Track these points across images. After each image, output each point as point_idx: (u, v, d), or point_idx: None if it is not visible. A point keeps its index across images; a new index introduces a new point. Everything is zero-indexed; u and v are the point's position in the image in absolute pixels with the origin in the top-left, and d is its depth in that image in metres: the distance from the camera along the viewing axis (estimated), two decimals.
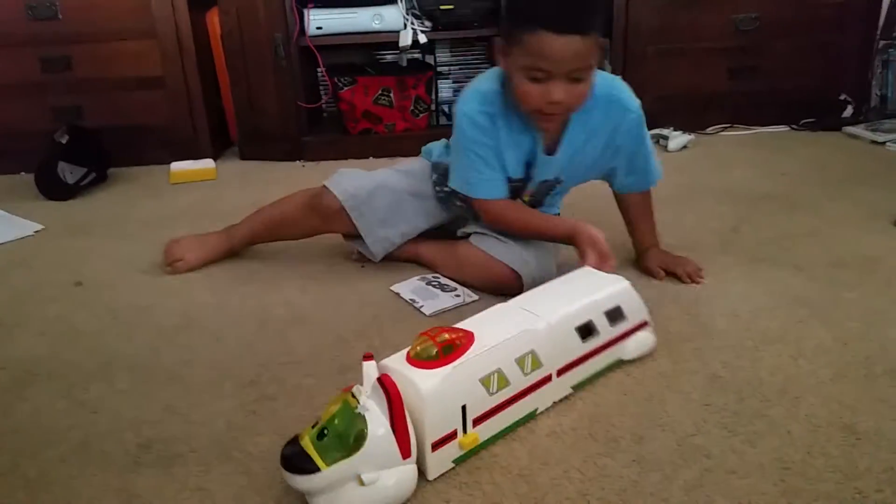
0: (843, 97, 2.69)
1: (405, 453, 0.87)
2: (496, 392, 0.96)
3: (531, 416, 1.02)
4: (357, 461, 0.84)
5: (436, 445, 0.91)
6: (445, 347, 0.94)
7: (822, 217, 1.80)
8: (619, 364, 1.15)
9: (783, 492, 0.87)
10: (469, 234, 1.51)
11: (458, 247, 1.51)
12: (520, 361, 0.99)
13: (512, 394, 0.98)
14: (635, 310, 1.15)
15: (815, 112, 2.68)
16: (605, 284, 1.16)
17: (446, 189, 1.49)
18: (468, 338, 0.97)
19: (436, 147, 1.58)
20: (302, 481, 0.84)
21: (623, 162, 1.44)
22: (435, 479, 0.92)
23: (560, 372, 1.04)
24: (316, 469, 0.83)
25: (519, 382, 0.99)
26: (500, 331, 1.00)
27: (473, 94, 1.34)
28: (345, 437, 0.84)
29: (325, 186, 1.51)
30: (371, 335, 1.30)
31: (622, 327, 1.13)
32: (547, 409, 1.05)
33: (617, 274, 1.20)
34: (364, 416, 0.85)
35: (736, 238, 1.69)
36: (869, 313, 1.30)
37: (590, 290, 1.14)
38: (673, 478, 0.91)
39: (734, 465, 0.92)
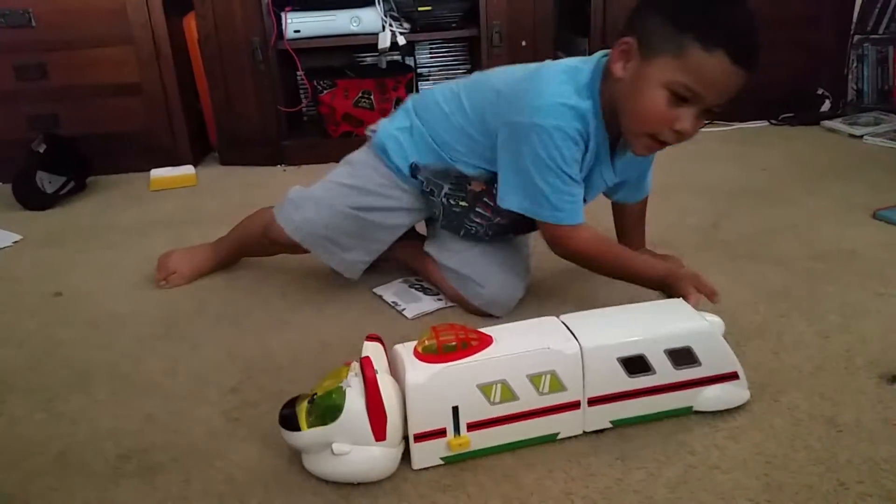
0: (820, 92, 2.72)
1: (378, 435, 0.89)
2: (498, 403, 0.94)
3: (550, 439, 0.98)
4: (331, 431, 0.89)
5: (420, 438, 0.92)
6: (447, 346, 0.93)
7: (802, 211, 1.81)
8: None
9: (766, 486, 0.88)
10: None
11: (427, 262, 1.44)
12: (534, 379, 0.94)
13: (520, 409, 0.95)
14: (717, 357, 1.01)
15: (794, 107, 2.70)
16: (680, 321, 1.03)
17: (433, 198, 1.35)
18: (484, 341, 0.95)
19: (389, 136, 1.36)
20: (286, 436, 0.93)
21: (635, 176, 1.41)
22: (418, 481, 0.92)
23: (594, 402, 0.98)
24: (297, 429, 0.91)
25: (531, 400, 0.95)
26: (521, 343, 0.96)
27: (564, 111, 1.15)
28: (324, 407, 0.91)
29: (275, 217, 1.40)
30: (353, 339, 1.29)
31: (693, 373, 1.00)
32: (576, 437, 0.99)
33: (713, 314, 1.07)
34: (345, 392, 0.90)
35: (716, 233, 1.70)
36: (848, 306, 1.31)
37: (657, 323, 1.02)
38: (657, 475, 0.91)
39: (717, 461, 0.93)
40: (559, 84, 1.17)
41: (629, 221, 1.49)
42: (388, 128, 1.38)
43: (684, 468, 0.92)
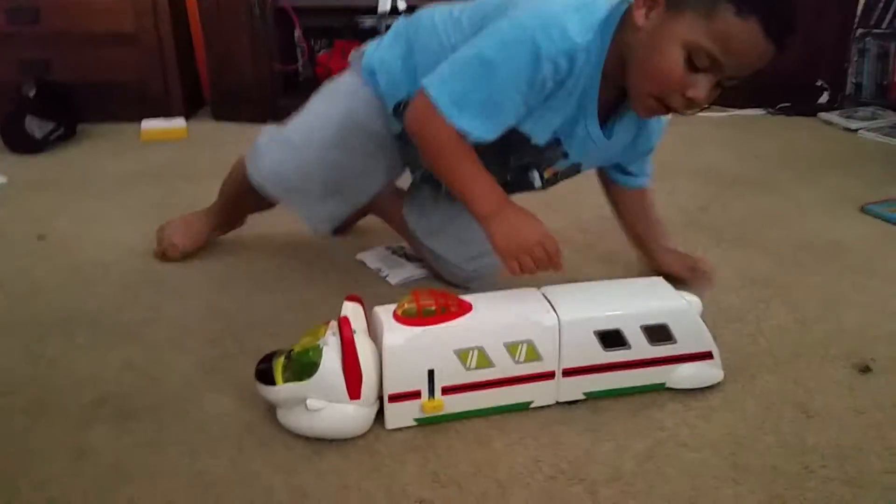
0: (819, 83, 2.72)
1: (353, 394, 0.90)
2: (474, 369, 0.94)
3: (523, 407, 0.99)
4: (306, 387, 0.90)
5: (394, 398, 0.93)
6: (426, 310, 0.94)
7: (792, 201, 1.82)
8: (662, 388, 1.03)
9: (733, 465, 0.89)
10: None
11: (404, 226, 1.37)
12: (511, 348, 0.95)
13: (495, 376, 0.95)
14: (692, 336, 1.02)
15: (791, 97, 2.70)
16: (658, 299, 1.04)
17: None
18: (463, 308, 0.96)
19: (381, 62, 1.18)
20: (261, 389, 0.94)
21: (633, 154, 1.27)
22: (391, 440, 0.93)
23: (568, 373, 0.98)
24: (273, 382, 0.92)
25: (507, 368, 0.95)
26: (500, 312, 0.97)
27: (563, 37, 0.98)
28: (300, 363, 0.91)
29: (245, 162, 1.27)
30: (335, 301, 1.27)
31: (668, 350, 1.00)
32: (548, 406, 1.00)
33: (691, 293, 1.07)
34: (322, 350, 0.91)
35: (704, 217, 1.70)
36: (830, 297, 1.31)
37: (635, 300, 1.03)
38: (625, 447, 0.92)
39: (686, 439, 0.94)
40: (567, 8, 1.01)
41: (631, 212, 1.36)
42: (378, 52, 1.22)
43: (653, 443, 0.93)
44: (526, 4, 1.03)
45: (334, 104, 1.24)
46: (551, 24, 0.99)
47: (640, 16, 0.98)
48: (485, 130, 1.02)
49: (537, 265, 1.01)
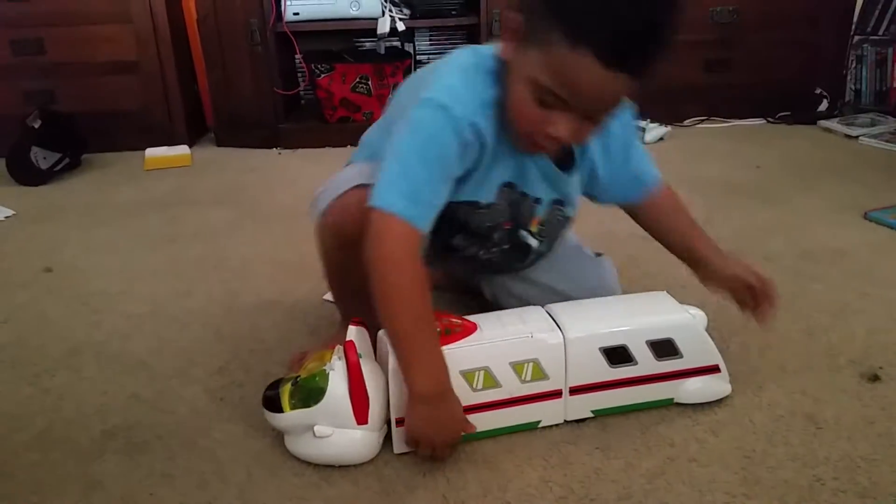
0: (818, 91, 2.72)
1: (360, 419, 0.90)
2: (480, 390, 0.94)
3: (531, 427, 0.98)
4: (313, 413, 0.90)
5: (402, 422, 0.92)
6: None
7: (794, 209, 1.82)
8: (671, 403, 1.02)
9: (743, 479, 0.88)
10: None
11: None
12: (517, 367, 0.95)
13: (502, 397, 0.95)
14: (698, 349, 1.01)
15: (791, 106, 2.71)
16: (663, 313, 1.03)
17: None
18: (468, 329, 0.96)
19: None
20: (269, 417, 0.94)
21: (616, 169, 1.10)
22: (399, 465, 0.93)
23: (575, 391, 0.98)
24: (280, 410, 0.92)
25: (513, 388, 0.95)
26: (505, 331, 0.97)
27: (473, 99, 0.91)
28: (307, 389, 0.92)
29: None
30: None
31: (675, 364, 1.00)
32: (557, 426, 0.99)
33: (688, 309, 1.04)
34: (328, 375, 0.91)
35: (707, 229, 1.68)
36: (835, 305, 1.31)
37: (640, 315, 1.03)
38: (635, 466, 0.92)
39: (696, 454, 0.93)
40: (484, 69, 0.94)
41: (660, 225, 1.16)
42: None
43: (663, 460, 0.92)
44: (425, 84, 0.95)
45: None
46: (455, 93, 0.91)
47: (507, 46, 0.89)
48: (422, 219, 0.91)
49: (434, 460, 0.93)
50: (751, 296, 1.07)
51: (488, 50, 0.95)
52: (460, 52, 0.97)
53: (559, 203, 1.08)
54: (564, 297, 1.09)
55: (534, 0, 0.85)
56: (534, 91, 0.85)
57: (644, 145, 2.38)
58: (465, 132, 0.90)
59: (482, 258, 1.12)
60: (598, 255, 1.26)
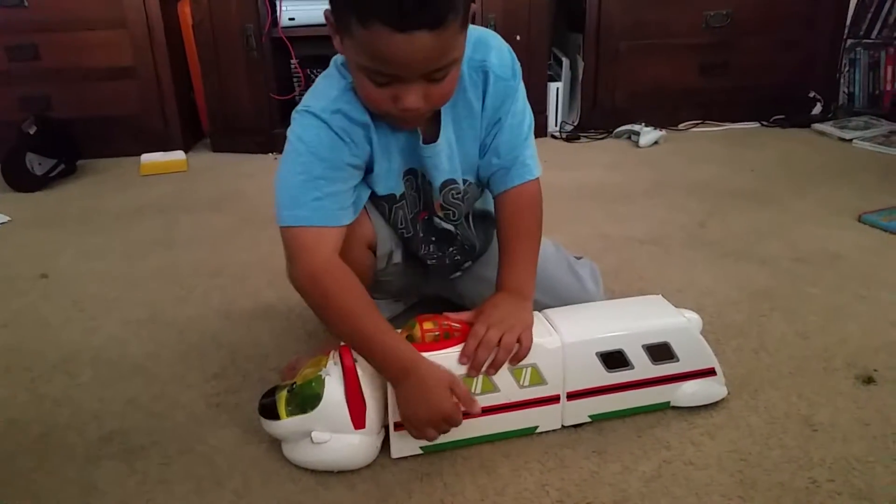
0: (812, 95, 2.73)
1: (358, 424, 0.90)
2: (479, 394, 0.94)
3: (529, 432, 0.98)
4: (310, 419, 0.91)
5: (399, 426, 0.92)
6: (430, 336, 0.94)
7: (789, 212, 1.82)
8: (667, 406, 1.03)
9: (740, 482, 0.89)
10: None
11: None
12: (515, 372, 0.95)
13: (501, 402, 0.95)
14: (694, 353, 1.02)
15: (785, 109, 2.72)
16: (658, 317, 1.03)
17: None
18: (466, 333, 0.95)
19: None
20: (266, 425, 0.94)
21: (489, 139, 1.04)
22: (397, 470, 0.93)
23: (573, 396, 0.98)
24: (277, 417, 0.92)
25: (511, 393, 0.95)
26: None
27: (331, 91, 0.93)
28: (303, 395, 0.92)
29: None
30: None
31: (671, 368, 1.00)
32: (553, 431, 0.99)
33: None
34: (324, 380, 0.91)
35: (703, 233, 1.71)
36: (830, 308, 1.32)
37: (635, 319, 1.03)
38: (632, 469, 0.92)
39: (692, 457, 0.94)
40: (323, 76, 0.97)
41: (503, 225, 1.06)
42: None
43: (659, 463, 0.93)
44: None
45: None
46: (311, 91, 0.96)
47: (337, 44, 0.89)
48: (331, 216, 0.93)
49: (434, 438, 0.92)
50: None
51: None
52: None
53: (450, 182, 1.04)
54: (544, 307, 1.05)
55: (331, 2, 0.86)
56: (366, 75, 0.85)
57: (639, 149, 2.43)
58: (332, 122, 0.92)
59: (438, 261, 1.15)
60: (579, 258, 1.25)
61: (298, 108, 0.95)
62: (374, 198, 1.03)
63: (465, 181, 1.06)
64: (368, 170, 0.99)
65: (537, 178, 1.06)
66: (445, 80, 0.87)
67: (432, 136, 0.99)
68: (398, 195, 1.04)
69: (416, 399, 0.89)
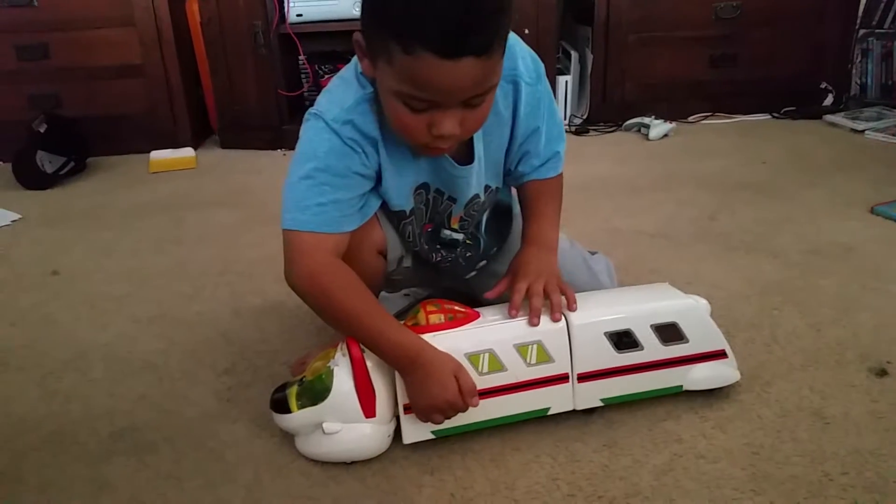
0: (823, 86, 2.71)
1: (368, 412, 0.91)
2: (486, 373, 0.94)
3: (541, 414, 0.97)
4: (321, 411, 0.91)
5: (409, 409, 0.93)
6: (434, 319, 0.95)
7: (800, 205, 1.81)
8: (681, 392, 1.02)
9: (752, 476, 0.88)
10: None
11: None
12: (521, 349, 0.95)
13: (509, 381, 0.95)
14: (704, 334, 1.01)
15: (796, 100, 2.70)
16: (664, 298, 1.04)
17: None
18: (470, 315, 0.97)
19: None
20: (278, 419, 0.95)
21: (528, 146, 1.06)
22: (407, 463, 0.93)
23: (583, 378, 0.97)
24: (288, 411, 0.93)
25: (519, 371, 0.95)
26: (508, 316, 0.97)
27: (347, 100, 0.92)
28: (313, 388, 0.92)
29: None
30: None
31: (681, 349, 1.00)
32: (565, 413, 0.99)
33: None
34: (333, 371, 0.91)
35: (713, 225, 1.70)
36: (842, 300, 1.31)
37: (643, 300, 1.05)
38: (643, 462, 0.91)
39: (703, 450, 0.93)
40: (338, 80, 0.97)
41: (532, 202, 1.10)
42: None
43: (670, 456, 0.92)
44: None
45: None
46: (323, 100, 0.95)
47: (366, 68, 0.88)
48: (332, 222, 0.93)
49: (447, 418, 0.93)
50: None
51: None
52: (349, 64, 0.97)
53: (475, 197, 1.06)
54: None
55: (365, 18, 0.84)
56: (402, 101, 0.84)
57: (649, 142, 2.41)
58: (343, 132, 0.91)
59: (452, 263, 1.15)
60: (593, 253, 1.25)
61: (312, 110, 0.94)
62: (384, 209, 1.03)
63: (486, 189, 1.07)
64: (378, 181, 0.98)
65: None
66: (482, 105, 0.87)
67: (464, 156, 1.00)
68: (407, 211, 1.04)
69: (423, 387, 0.90)
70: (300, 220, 0.92)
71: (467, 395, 0.91)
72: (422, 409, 0.91)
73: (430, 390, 0.90)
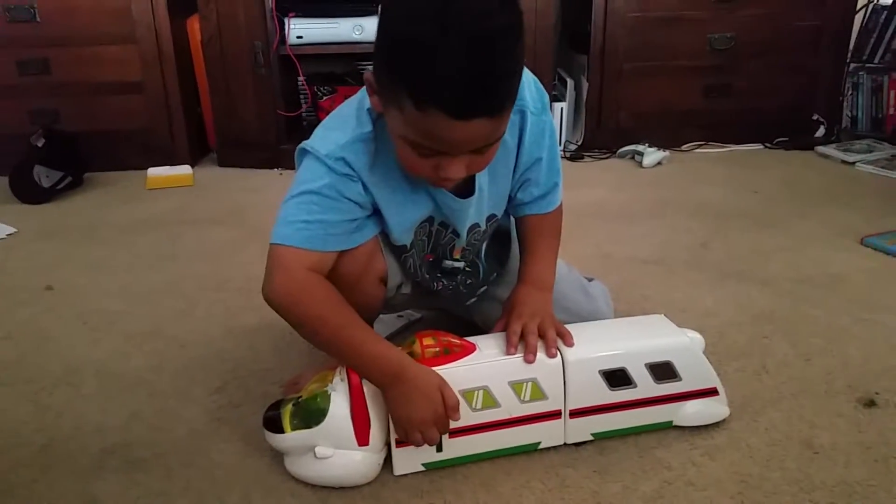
0: (815, 117, 2.74)
1: (362, 440, 0.91)
2: (480, 409, 0.95)
3: (531, 448, 0.99)
4: (315, 434, 0.91)
5: (401, 443, 0.93)
6: (430, 352, 0.95)
7: (791, 234, 1.83)
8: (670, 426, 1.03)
9: None
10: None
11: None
12: (516, 386, 0.95)
13: (502, 417, 0.96)
14: (697, 372, 1.02)
15: (789, 131, 2.72)
16: (660, 336, 1.04)
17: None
18: (466, 349, 0.96)
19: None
20: (270, 437, 0.94)
21: (529, 174, 1.07)
22: (398, 487, 0.93)
23: (575, 414, 0.98)
24: (281, 430, 0.93)
25: (513, 407, 0.96)
26: (504, 352, 0.97)
27: (341, 137, 0.92)
28: (308, 410, 0.92)
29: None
30: None
31: (674, 387, 1.01)
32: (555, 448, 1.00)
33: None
34: (330, 396, 0.91)
35: (705, 254, 1.71)
36: (832, 330, 1.32)
37: (638, 337, 1.04)
38: (633, 489, 0.92)
39: (693, 478, 0.94)
40: (335, 116, 0.98)
41: (529, 237, 1.13)
42: None
43: (660, 483, 0.93)
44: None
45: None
46: (318, 135, 0.96)
47: (375, 104, 0.89)
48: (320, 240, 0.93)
49: (428, 442, 0.93)
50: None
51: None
52: (350, 99, 0.98)
53: (475, 226, 1.07)
54: None
55: (379, 63, 0.83)
56: (410, 146, 0.85)
57: (642, 169, 2.44)
58: (336, 167, 0.91)
59: (453, 291, 1.17)
60: (590, 279, 1.26)
61: (305, 144, 0.94)
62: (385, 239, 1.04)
63: (489, 218, 1.08)
64: (377, 212, 0.99)
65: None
66: (490, 150, 0.88)
67: (463, 189, 1.00)
68: (408, 245, 1.05)
69: (408, 401, 0.90)
70: (283, 235, 0.92)
71: (451, 410, 0.91)
72: (407, 423, 0.91)
73: (417, 403, 0.90)
